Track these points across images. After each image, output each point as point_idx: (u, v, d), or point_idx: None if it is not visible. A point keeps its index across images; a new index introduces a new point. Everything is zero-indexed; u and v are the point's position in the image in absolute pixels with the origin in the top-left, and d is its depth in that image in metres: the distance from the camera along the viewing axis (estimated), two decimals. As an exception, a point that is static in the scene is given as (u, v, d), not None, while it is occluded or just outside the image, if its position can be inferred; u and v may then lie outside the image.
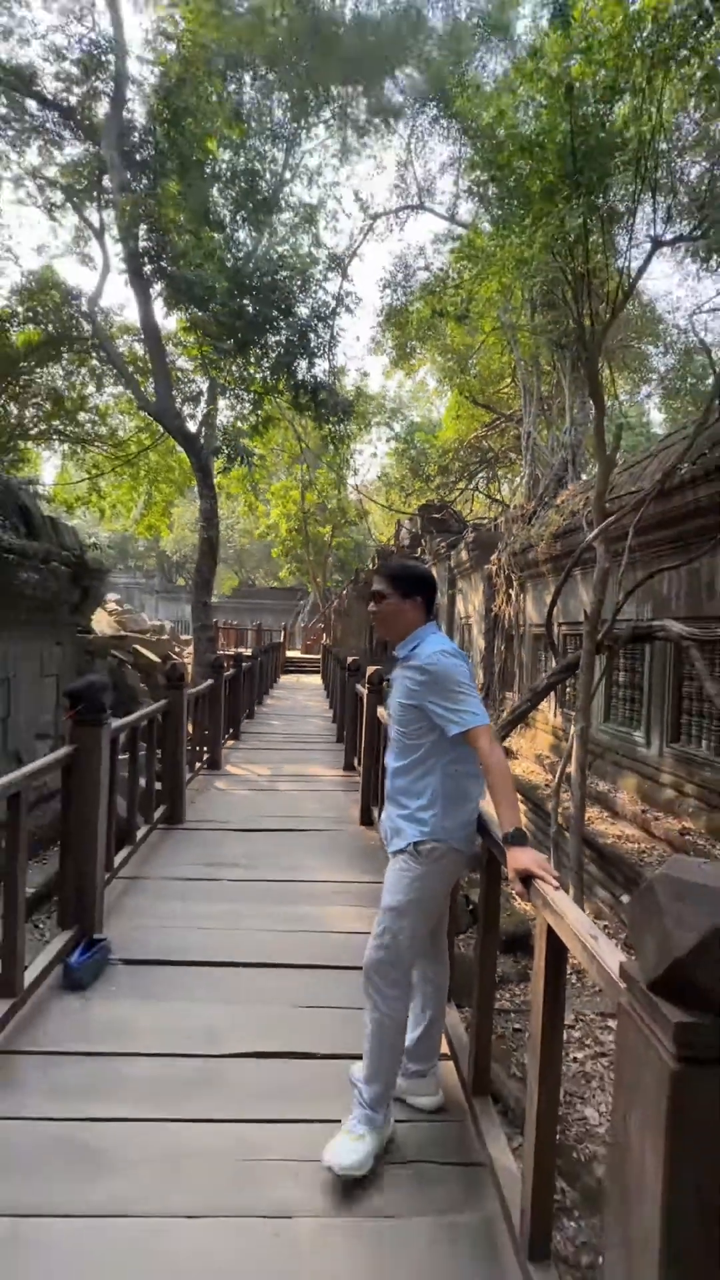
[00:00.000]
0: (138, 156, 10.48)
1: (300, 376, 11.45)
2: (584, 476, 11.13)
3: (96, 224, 12.06)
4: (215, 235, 10.80)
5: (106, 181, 10.79)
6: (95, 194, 11.45)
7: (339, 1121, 2.01)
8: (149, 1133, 1.93)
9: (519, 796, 7.62)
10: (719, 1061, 0.79)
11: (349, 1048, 2.34)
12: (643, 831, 5.55)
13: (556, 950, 1.38)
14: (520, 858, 1.62)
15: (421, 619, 2.04)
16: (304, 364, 11.48)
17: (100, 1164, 1.81)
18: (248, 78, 12.57)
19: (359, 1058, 2.27)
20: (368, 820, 5.13)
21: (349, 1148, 1.79)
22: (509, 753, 8.85)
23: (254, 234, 12.83)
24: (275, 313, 10.57)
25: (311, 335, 11.36)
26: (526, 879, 1.56)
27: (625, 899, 5.06)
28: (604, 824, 5.96)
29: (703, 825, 5.04)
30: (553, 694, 7.13)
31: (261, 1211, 1.70)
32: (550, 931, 1.39)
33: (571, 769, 5.29)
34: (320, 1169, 1.83)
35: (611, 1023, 4.24)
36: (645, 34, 5.02)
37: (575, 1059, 3.89)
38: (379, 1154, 1.84)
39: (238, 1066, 2.24)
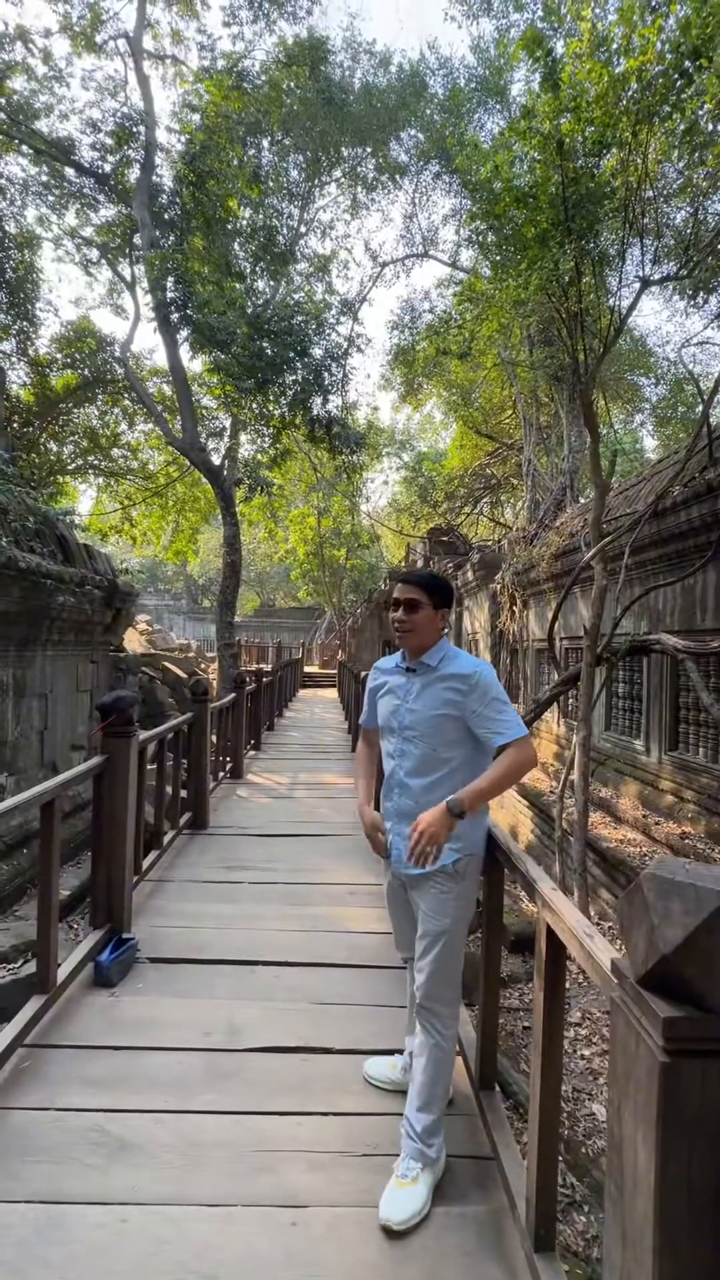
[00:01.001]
0: (165, 216, 10.79)
1: (315, 412, 11.60)
2: (582, 500, 11.11)
3: (128, 277, 12.41)
4: (236, 285, 11.06)
5: (137, 239, 11.11)
6: (127, 250, 11.80)
7: (354, 1115, 1.98)
8: (172, 1124, 1.91)
9: (525, 803, 7.48)
10: (706, 1054, 0.77)
11: (364, 1043, 2.32)
12: (644, 836, 5.45)
13: (555, 949, 1.36)
14: (430, 814, 1.64)
15: (441, 631, 1.92)
16: (319, 400, 11.64)
17: (125, 1154, 1.80)
18: (265, 142, 12.93)
19: (375, 1053, 2.24)
20: (380, 826, 5.09)
21: (403, 1198, 1.61)
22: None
23: (272, 283, 13.12)
24: (292, 354, 10.75)
25: (325, 374, 11.53)
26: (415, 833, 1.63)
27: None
28: (607, 829, 5.86)
29: (702, 829, 4.94)
30: (556, 705, 7.06)
31: (278, 1201, 1.67)
32: (549, 931, 1.37)
33: (574, 776, 5.22)
34: (335, 1161, 1.80)
35: (617, 1021, 4.13)
36: (630, 93, 5.11)
37: (583, 1056, 3.79)
38: (434, 1191, 1.67)
39: (257, 1061, 2.21)
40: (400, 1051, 2.16)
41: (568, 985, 4.31)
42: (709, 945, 0.77)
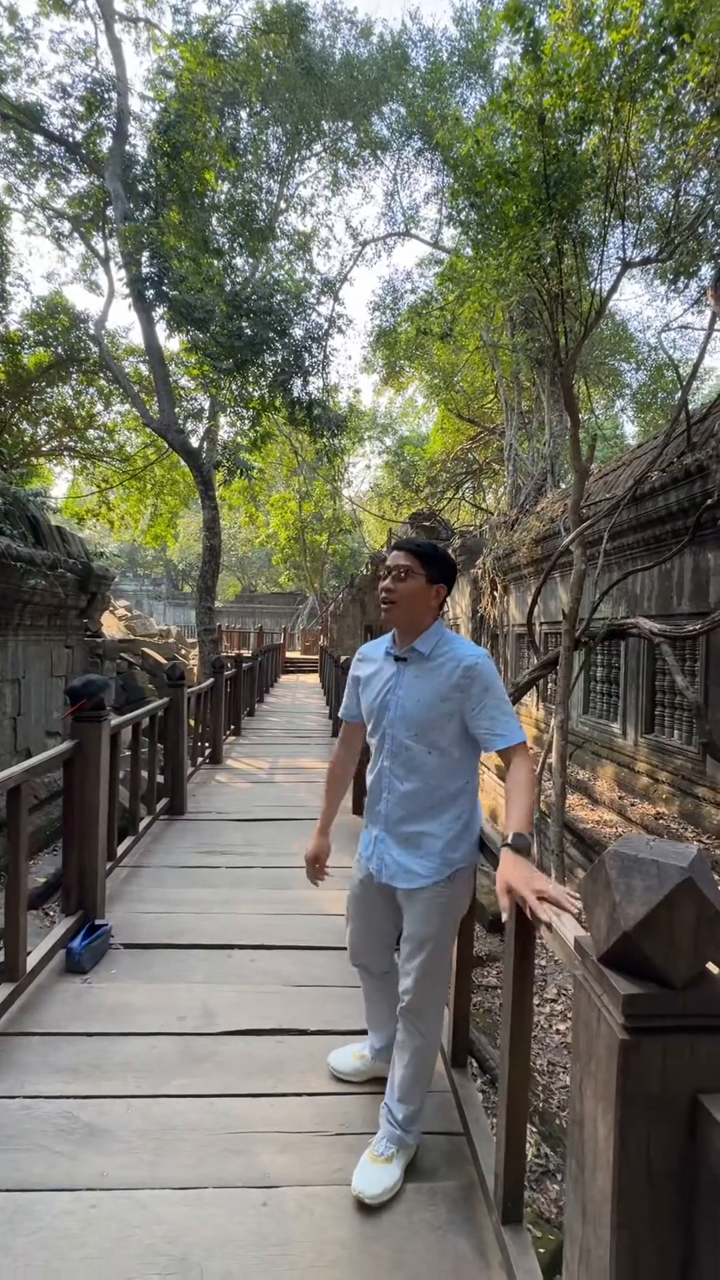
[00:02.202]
0: (140, 188, 10.46)
1: (296, 394, 11.43)
2: (562, 485, 11.13)
3: (102, 252, 12.04)
4: (214, 262, 10.78)
5: (110, 212, 10.76)
6: (100, 224, 11.43)
7: (327, 1095, 1.98)
8: (142, 1109, 1.89)
9: (504, 786, 7.58)
10: (666, 1030, 0.77)
11: (337, 1024, 2.32)
12: (620, 817, 5.54)
13: (524, 928, 1.36)
14: (510, 867, 1.33)
15: (437, 613, 1.67)
16: (299, 382, 11.46)
17: (95, 1140, 1.78)
18: (243, 114, 12.58)
19: (350, 1033, 2.25)
20: (360, 810, 5.09)
21: (376, 1174, 1.61)
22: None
23: (251, 260, 12.84)
24: (271, 334, 10.55)
25: (306, 355, 11.34)
26: (508, 893, 1.31)
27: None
28: (584, 810, 5.94)
29: (675, 810, 5.03)
30: (535, 688, 7.12)
31: (250, 1182, 1.67)
32: (518, 910, 1.36)
33: (553, 759, 5.27)
34: (308, 1140, 1.80)
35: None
36: (613, 68, 5.03)
37: (559, 1030, 3.87)
38: (406, 1170, 1.67)
39: (231, 1044, 2.20)
40: (364, 1033, 2.16)
41: (545, 963, 4.38)
42: (670, 922, 0.76)
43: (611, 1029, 0.78)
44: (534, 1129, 2.81)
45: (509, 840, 1.40)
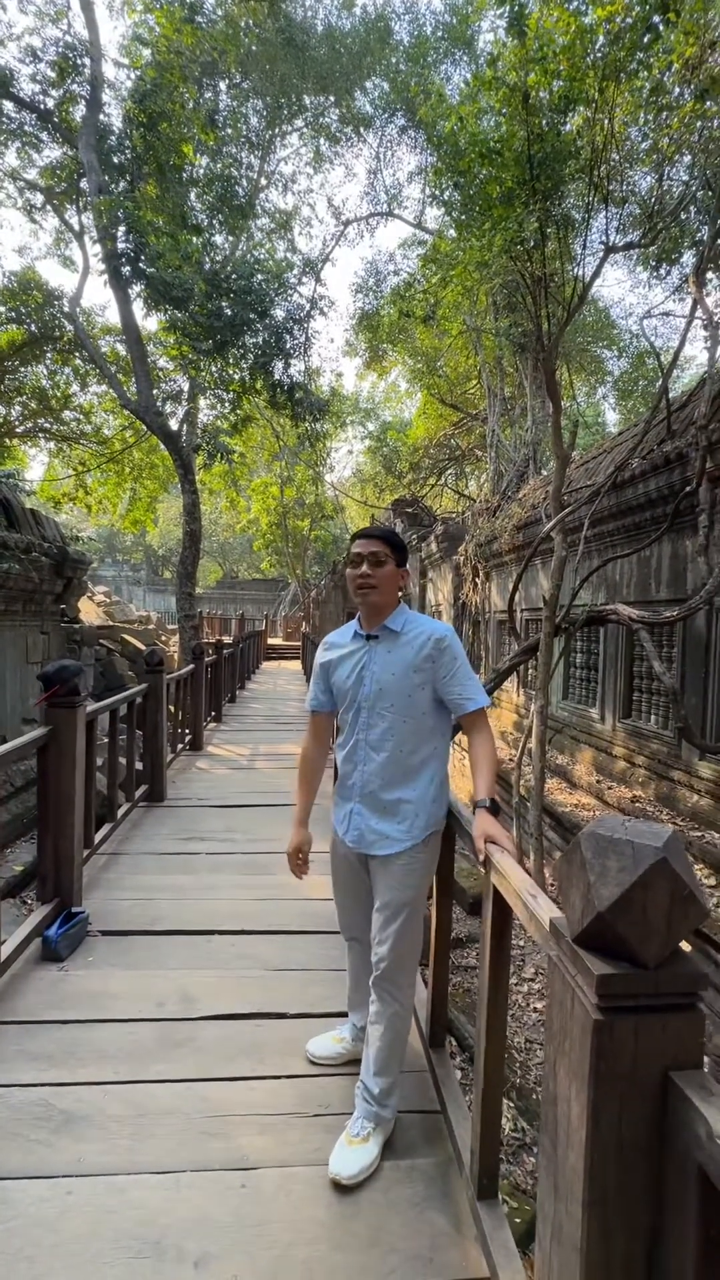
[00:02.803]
0: (115, 160, 10.13)
1: (277, 377, 11.26)
2: (544, 472, 11.15)
3: (76, 226, 11.68)
4: (193, 239, 10.51)
5: (85, 184, 10.42)
6: (74, 196, 11.08)
7: (306, 1077, 1.99)
8: (120, 1095, 1.88)
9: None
10: (639, 1010, 0.77)
11: (318, 1007, 2.33)
12: (597, 800, 5.62)
13: (502, 909, 1.36)
14: (488, 821, 1.53)
15: (400, 594, 1.81)
16: (280, 365, 11.29)
17: (71, 1126, 1.77)
18: (223, 85, 12.22)
19: (330, 1016, 2.26)
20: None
21: (353, 1155, 1.64)
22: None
23: (231, 238, 12.55)
24: (252, 315, 10.35)
25: (287, 337, 11.16)
26: (490, 842, 1.48)
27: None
28: (562, 794, 6.02)
29: (651, 793, 5.12)
30: (515, 674, 7.16)
31: (228, 1164, 1.67)
32: (496, 891, 1.37)
33: (532, 743, 5.32)
34: (286, 1122, 1.81)
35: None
36: (598, 46, 4.96)
37: (536, 1009, 3.94)
38: (383, 1148, 1.70)
39: (210, 1028, 2.20)
40: (345, 1015, 2.17)
41: (523, 943, 4.45)
42: (644, 901, 0.76)
43: (585, 1009, 0.78)
44: (511, 1104, 2.87)
45: (484, 804, 1.58)
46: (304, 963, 2.64)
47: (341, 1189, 1.60)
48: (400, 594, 1.80)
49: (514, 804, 5.50)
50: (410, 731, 1.71)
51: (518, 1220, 1.91)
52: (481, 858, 1.46)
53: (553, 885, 5.30)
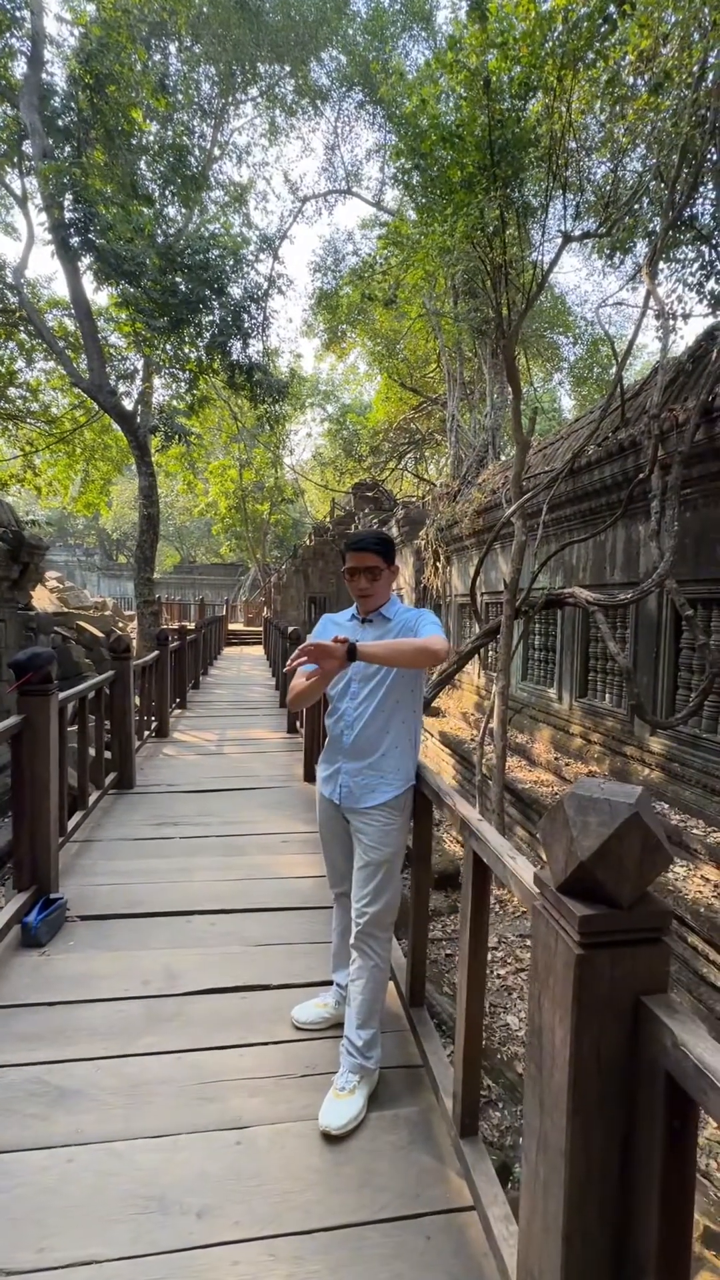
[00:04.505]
0: (60, 123, 9.66)
1: (235, 357, 11.06)
2: (503, 457, 11.35)
3: (19, 191, 11.12)
4: (144, 209, 10.15)
5: (28, 147, 9.91)
6: (16, 160, 10.51)
7: (293, 1041, 2.08)
8: (112, 1069, 1.94)
9: (448, 750, 7.80)
10: (614, 944, 0.88)
11: (302, 977, 2.42)
12: (556, 777, 5.88)
13: (481, 872, 1.47)
14: (337, 649, 1.72)
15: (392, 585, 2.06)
16: (238, 344, 11.09)
17: (67, 1100, 1.82)
18: (173, 48, 11.76)
19: (313, 985, 2.36)
20: (311, 777, 5.19)
21: (340, 1107, 1.76)
22: (437, 712, 9.11)
23: (184, 210, 12.16)
24: (208, 291, 10.11)
25: (245, 316, 10.95)
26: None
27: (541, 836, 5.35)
28: (522, 771, 6.27)
29: (606, 768, 5.39)
30: (477, 657, 7.37)
31: (223, 1125, 1.76)
32: (475, 857, 1.48)
33: (494, 724, 5.52)
34: (276, 1084, 1.90)
35: (529, 943, 4.55)
36: (556, 34, 5.02)
37: (499, 975, 4.15)
38: (369, 1101, 1.82)
39: (196, 1003, 2.27)
40: (328, 984, 2.28)
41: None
42: (620, 851, 0.87)
43: (568, 946, 0.89)
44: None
45: (353, 647, 1.75)
46: (285, 937, 2.72)
47: (331, 1139, 1.71)
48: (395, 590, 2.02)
49: (477, 781, 5.71)
50: (390, 698, 1.92)
51: (493, 1159, 2.06)
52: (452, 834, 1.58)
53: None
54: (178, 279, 9.84)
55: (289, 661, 1.85)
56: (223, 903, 3.00)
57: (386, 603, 2.00)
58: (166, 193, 10.91)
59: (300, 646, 1.79)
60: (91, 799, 4.16)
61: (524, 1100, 1.06)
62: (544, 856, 1.02)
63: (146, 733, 6.30)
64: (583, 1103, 0.88)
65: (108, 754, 4.74)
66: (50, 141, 9.55)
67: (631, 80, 5.73)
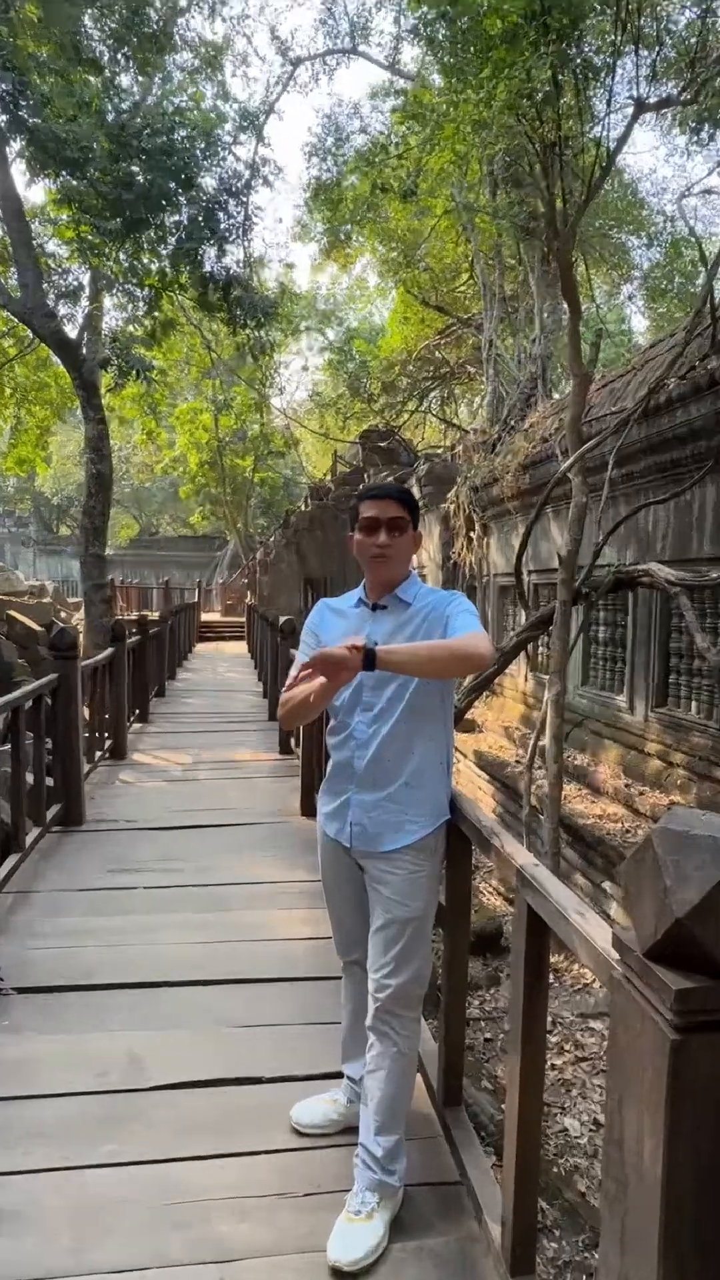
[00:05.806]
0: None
1: (208, 268, 11.10)
2: (556, 395, 11.29)
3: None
4: (90, 79, 10.18)
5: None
6: None
7: (290, 1151, 2.08)
8: (58, 1184, 1.95)
9: (486, 776, 7.81)
10: (717, 1026, 0.86)
11: (302, 1069, 2.42)
12: (626, 809, 5.86)
13: (538, 932, 1.46)
14: (350, 658, 1.66)
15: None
16: (212, 252, 11.13)
17: (2, 1223, 1.83)
18: None
19: (313, 1079, 2.36)
20: (311, 811, 5.19)
21: (356, 1235, 1.71)
22: (471, 725, 9.11)
23: (141, 79, 12.16)
24: (173, 184, 10.13)
25: (220, 214, 11.00)
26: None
27: (608, 886, 5.35)
28: (583, 802, 6.25)
29: (692, 798, 5.36)
30: (524, 654, 7.35)
31: (201, 1257, 1.75)
32: (530, 912, 1.46)
33: (545, 741, 5.50)
34: (271, 1205, 1.90)
35: (593, 1024, 4.53)
36: None
37: (554, 1065, 4.15)
38: (390, 1226, 1.78)
39: (164, 1100, 2.28)
40: (338, 1077, 2.27)
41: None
42: (728, 905, 0.85)
43: (660, 1029, 0.87)
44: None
45: (371, 653, 1.67)
46: (280, 1017, 2.73)
47: (343, 1277, 1.70)
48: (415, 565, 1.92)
49: (524, 816, 5.69)
50: (413, 709, 1.88)
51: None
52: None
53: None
54: (134, 168, 9.86)
55: (286, 685, 1.85)
56: (199, 972, 3.01)
57: (405, 580, 1.96)
58: (119, 56, 10.93)
59: (301, 662, 1.76)
60: (29, 839, 4.19)
61: (600, 1232, 1.04)
62: (622, 913, 1.02)
63: (99, 753, 6.34)
64: (678, 1238, 0.87)
65: (49, 781, 4.77)
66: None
67: None
